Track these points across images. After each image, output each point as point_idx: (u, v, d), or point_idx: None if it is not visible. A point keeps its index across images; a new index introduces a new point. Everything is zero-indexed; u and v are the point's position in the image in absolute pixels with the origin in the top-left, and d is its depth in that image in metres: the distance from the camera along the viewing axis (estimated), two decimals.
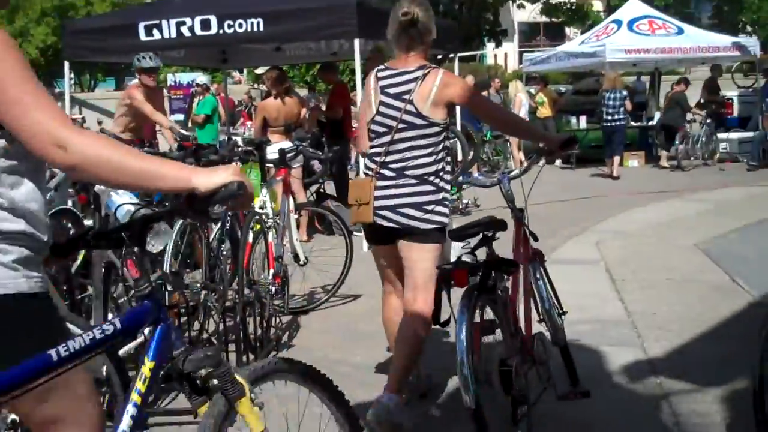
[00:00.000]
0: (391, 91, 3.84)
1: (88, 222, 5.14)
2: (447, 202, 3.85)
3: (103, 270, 3.93)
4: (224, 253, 5.33)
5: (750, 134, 16.22)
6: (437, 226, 3.78)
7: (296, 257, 5.87)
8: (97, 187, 5.04)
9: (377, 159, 3.84)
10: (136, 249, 2.13)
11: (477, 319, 3.29)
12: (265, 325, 5.00)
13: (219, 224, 5.43)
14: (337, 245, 6.92)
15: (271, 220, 5.45)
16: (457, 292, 3.31)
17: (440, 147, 3.82)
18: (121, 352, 2.14)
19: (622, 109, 15.02)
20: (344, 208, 8.49)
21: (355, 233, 7.56)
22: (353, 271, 6.41)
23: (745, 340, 4.82)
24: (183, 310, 4.76)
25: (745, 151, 15.97)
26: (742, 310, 5.65)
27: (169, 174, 1.97)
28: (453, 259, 3.89)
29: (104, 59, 12.98)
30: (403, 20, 3.84)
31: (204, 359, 2.11)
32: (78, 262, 4.92)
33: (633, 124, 15.95)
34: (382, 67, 3.99)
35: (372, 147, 3.89)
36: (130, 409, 2.02)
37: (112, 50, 9.47)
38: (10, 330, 1.90)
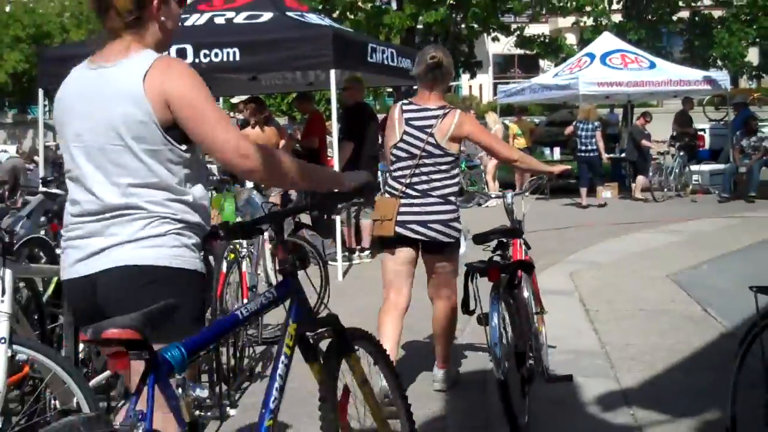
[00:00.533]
0: (415, 123, 4.58)
1: (59, 250, 5.10)
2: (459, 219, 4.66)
3: None
4: None
5: (721, 166, 16.45)
6: (455, 239, 4.60)
7: (271, 286, 5.85)
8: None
9: (403, 181, 4.59)
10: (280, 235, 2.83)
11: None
12: (238, 355, 4.96)
13: None
14: (312, 275, 6.88)
15: (245, 250, 5.44)
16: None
17: (455, 172, 4.64)
18: (91, 383, 2.19)
19: (593, 139, 15.27)
20: (319, 237, 8.50)
21: (330, 263, 7.56)
22: (328, 299, 6.38)
23: (717, 371, 4.86)
24: None
25: (717, 183, 16.18)
26: (714, 340, 5.68)
27: (325, 174, 3.04)
28: (460, 260, 4.65)
29: None
30: (430, 62, 4.56)
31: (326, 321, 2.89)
32: (49, 291, 4.87)
33: (605, 155, 16.17)
34: (406, 101, 4.75)
35: (395, 170, 4.65)
36: (283, 360, 2.72)
37: None
38: (186, 296, 2.44)
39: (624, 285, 7.62)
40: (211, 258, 5.39)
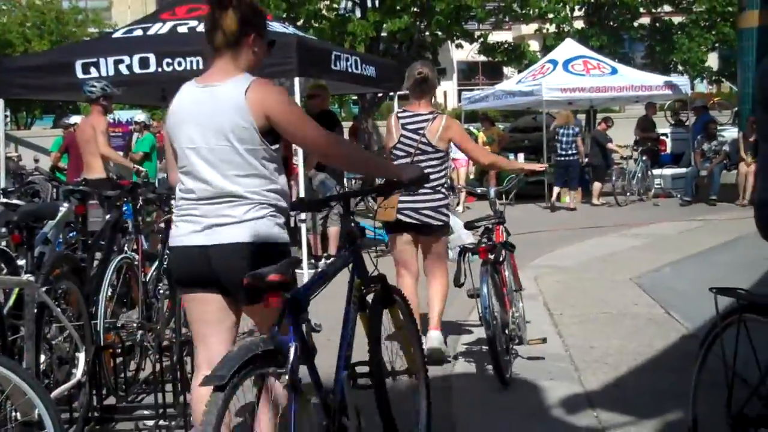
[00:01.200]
0: (410, 127, 5.47)
1: (20, 261, 5.04)
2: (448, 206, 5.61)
3: (36, 311, 3.84)
4: (161, 291, 5.27)
5: (683, 170, 16.66)
6: (444, 223, 5.46)
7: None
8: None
9: None
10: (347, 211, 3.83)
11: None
12: None
13: (156, 262, 5.37)
14: None
15: None
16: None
17: (444, 167, 5.51)
18: (53, 394, 2.19)
19: (574, 144, 15.52)
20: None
21: (297, 271, 7.53)
22: None
23: (679, 372, 4.93)
24: (119, 350, 4.68)
25: (679, 186, 16.38)
26: (676, 342, 5.76)
27: (383, 164, 4.21)
28: (451, 243, 5.70)
29: (40, 97, 12.81)
30: (418, 78, 5.47)
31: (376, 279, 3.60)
32: (10, 302, 4.81)
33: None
34: (400, 110, 5.70)
35: None
36: (352, 311, 3.49)
37: (48, 88, 9.33)
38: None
39: (588, 288, 7.69)
40: None
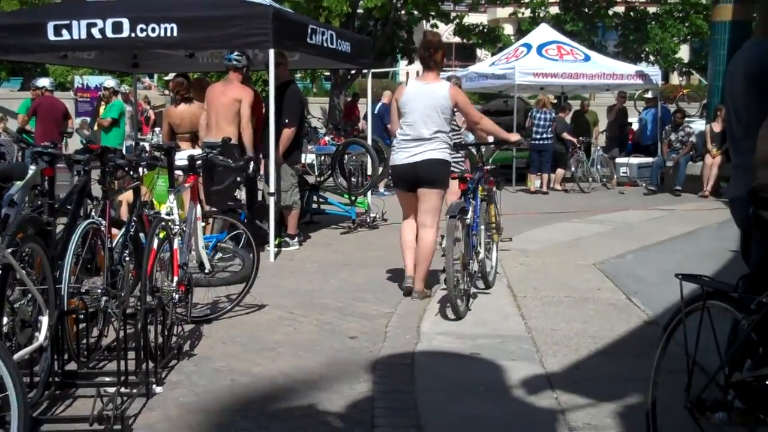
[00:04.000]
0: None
1: None
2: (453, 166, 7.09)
3: (0, 272, 3.80)
4: (127, 258, 5.23)
5: (649, 160, 16.82)
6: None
7: (201, 265, 5.81)
8: None
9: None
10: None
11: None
12: (167, 333, 4.92)
13: (123, 229, 5.33)
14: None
15: (178, 227, 5.39)
16: None
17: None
18: (15, 357, 2.15)
19: (549, 129, 15.66)
20: (265, 221, 8.43)
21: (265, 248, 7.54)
22: (259, 281, 6.37)
23: (639, 357, 5.01)
24: (82, 316, 4.65)
25: (644, 176, 16.54)
26: (637, 327, 5.84)
27: (500, 131, 7.17)
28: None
29: (9, 57, 12.58)
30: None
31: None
32: None
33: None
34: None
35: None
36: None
37: (18, 49, 9.13)
38: (448, 168, 6.65)
39: (551, 272, 7.76)
40: (142, 235, 5.36)
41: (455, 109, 6.67)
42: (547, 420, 4.12)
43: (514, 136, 7.38)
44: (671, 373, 3.31)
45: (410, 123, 6.54)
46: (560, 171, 16.55)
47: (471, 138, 8.40)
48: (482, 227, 6.75)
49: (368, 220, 10.65)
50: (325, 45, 9.53)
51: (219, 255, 6.74)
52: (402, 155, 6.55)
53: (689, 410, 2.99)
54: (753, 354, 2.70)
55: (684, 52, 34.09)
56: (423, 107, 6.50)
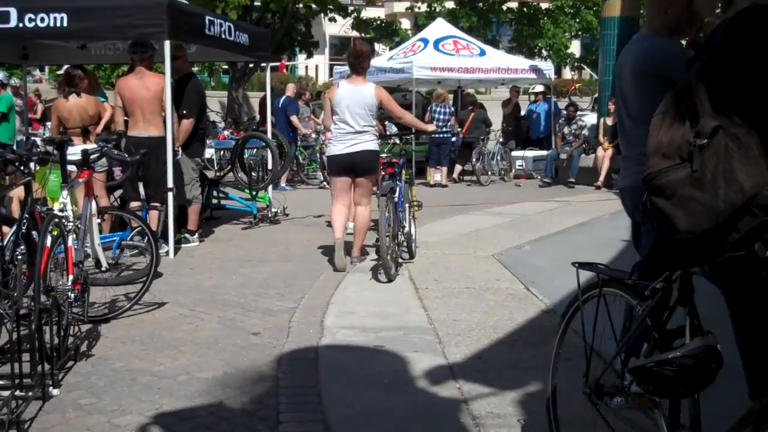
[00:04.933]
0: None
1: None
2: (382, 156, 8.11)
3: None
4: (19, 257, 5.05)
5: (544, 153, 17.22)
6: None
7: (98, 263, 5.66)
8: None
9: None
10: None
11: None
12: (62, 333, 4.77)
13: (15, 226, 5.14)
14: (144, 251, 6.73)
15: (72, 224, 5.23)
16: None
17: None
18: None
19: (449, 123, 15.93)
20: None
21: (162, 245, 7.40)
22: (158, 279, 6.25)
23: (539, 345, 5.13)
24: None
25: (539, 168, 16.93)
26: (535, 317, 5.97)
27: (419, 123, 8.89)
28: None
29: None
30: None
31: None
32: None
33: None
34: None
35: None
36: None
37: None
38: (378, 156, 7.92)
39: (451, 264, 7.86)
40: (35, 233, 5.17)
41: (380, 107, 7.75)
42: (450, 410, 4.17)
43: (431, 127, 9.24)
44: (570, 359, 3.40)
45: (343, 119, 7.60)
46: (458, 166, 16.88)
47: (395, 129, 9.34)
48: (407, 205, 7.95)
49: (270, 215, 10.58)
50: (223, 37, 9.40)
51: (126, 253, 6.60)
52: (340, 146, 7.63)
53: (588, 396, 3.07)
54: (648, 338, 2.80)
55: (575, 48, 35.01)
56: (353, 105, 7.57)
